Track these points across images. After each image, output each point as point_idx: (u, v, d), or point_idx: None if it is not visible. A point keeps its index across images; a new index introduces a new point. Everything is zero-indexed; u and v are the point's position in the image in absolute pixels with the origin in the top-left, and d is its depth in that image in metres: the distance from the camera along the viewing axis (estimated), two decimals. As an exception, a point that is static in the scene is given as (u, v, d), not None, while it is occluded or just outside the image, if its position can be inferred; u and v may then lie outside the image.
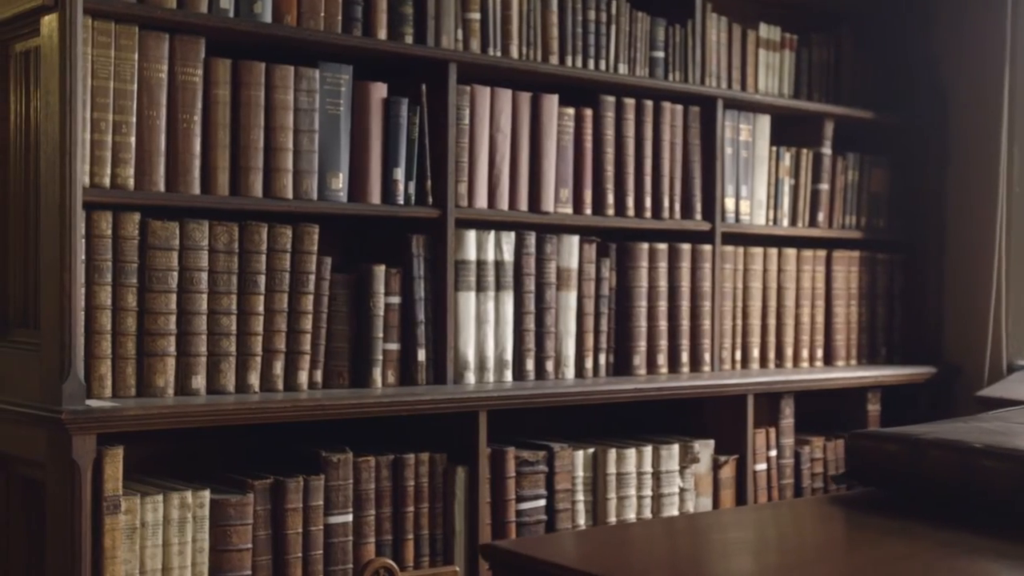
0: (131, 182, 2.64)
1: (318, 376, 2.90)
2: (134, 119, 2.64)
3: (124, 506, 2.51)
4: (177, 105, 2.70)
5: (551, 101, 3.29)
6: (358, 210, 2.95)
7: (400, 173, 3.01)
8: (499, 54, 3.20)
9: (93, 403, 2.50)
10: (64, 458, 2.42)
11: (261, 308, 2.80)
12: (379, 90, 2.99)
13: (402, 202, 3.01)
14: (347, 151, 2.94)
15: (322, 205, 2.89)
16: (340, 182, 2.92)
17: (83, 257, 2.57)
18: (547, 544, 2.04)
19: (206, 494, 2.62)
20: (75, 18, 2.44)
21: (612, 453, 3.27)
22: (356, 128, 2.96)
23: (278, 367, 2.83)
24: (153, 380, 2.66)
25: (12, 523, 2.67)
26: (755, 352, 3.78)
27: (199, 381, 2.72)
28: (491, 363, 3.17)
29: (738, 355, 3.73)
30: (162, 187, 2.68)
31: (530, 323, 3.25)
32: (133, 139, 2.64)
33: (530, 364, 3.25)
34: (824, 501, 2.07)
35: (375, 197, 2.98)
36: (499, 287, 3.19)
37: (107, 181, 2.60)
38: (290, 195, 2.84)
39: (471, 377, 3.12)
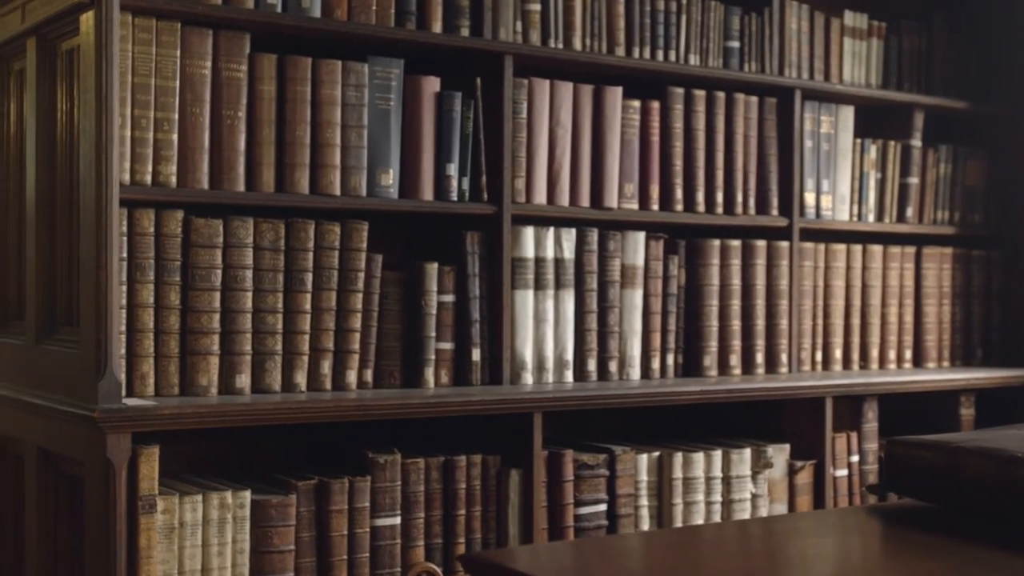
0: (173, 179, 2.62)
1: (368, 376, 2.85)
2: (176, 116, 2.62)
3: (162, 505, 2.49)
4: (221, 101, 2.68)
5: (614, 94, 3.19)
6: (409, 207, 2.90)
7: (453, 169, 2.94)
8: (561, 46, 3.11)
9: (131, 402, 2.49)
10: (99, 457, 2.41)
11: (308, 306, 2.76)
12: (431, 84, 2.93)
13: (455, 198, 2.95)
14: (398, 147, 2.88)
15: (371, 202, 2.84)
16: (391, 178, 2.87)
17: (124, 255, 2.56)
18: (524, 555, 1.95)
19: (246, 494, 2.59)
20: (111, 15, 2.43)
21: (678, 457, 3.16)
22: (407, 123, 2.90)
23: (325, 366, 2.79)
24: (196, 379, 2.64)
25: (59, 520, 2.67)
26: (837, 353, 3.63)
27: (243, 380, 2.69)
28: (550, 363, 3.09)
29: (819, 356, 3.59)
30: (206, 184, 2.66)
31: (592, 322, 3.15)
32: (175, 136, 2.62)
33: (592, 364, 3.15)
34: (853, 512, 1.94)
35: (427, 193, 2.92)
36: (559, 285, 3.11)
37: (148, 179, 2.59)
38: (338, 192, 2.80)
39: (528, 377, 3.05)
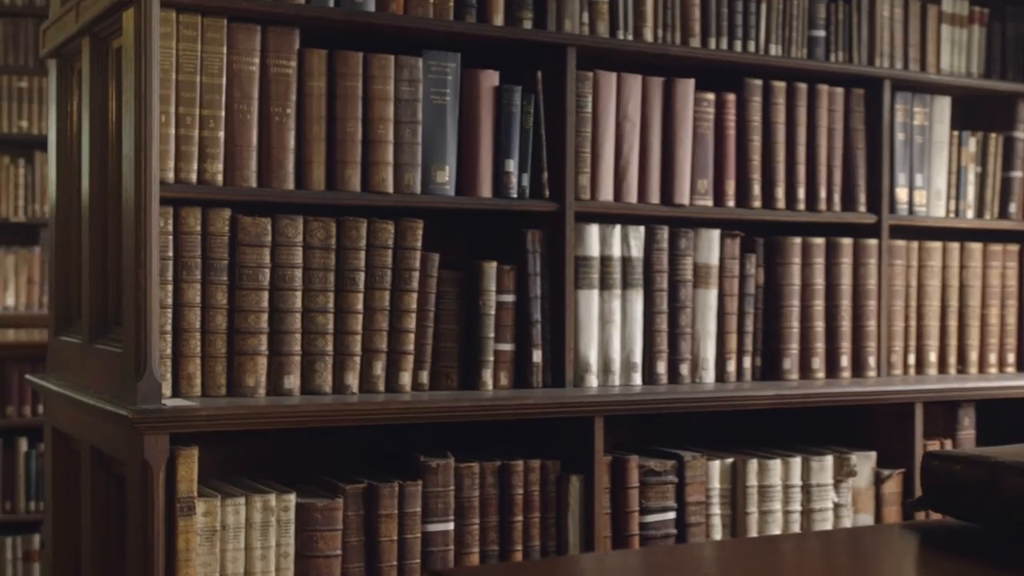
0: (219, 177, 2.59)
1: (424, 377, 2.78)
2: (223, 113, 2.59)
3: (203, 508, 2.46)
4: (270, 98, 2.64)
5: (686, 86, 3.07)
6: (466, 204, 2.82)
7: (513, 165, 2.86)
8: (630, 38, 3.01)
9: (172, 403, 2.46)
10: (138, 457, 2.39)
11: (360, 306, 2.70)
12: (490, 78, 2.85)
13: (515, 195, 2.87)
14: (454, 143, 2.81)
15: (426, 199, 2.78)
16: (447, 175, 2.80)
17: (170, 254, 2.54)
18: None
19: (291, 497, 2.54)
20: (150, 12, 2.41)
21: (753, 464, 3.03)
22: (464, 119, 2.83)
23: (378, 367, 2.73)
24: (243, 380, 2.61)
25: (109, 520, 2.67)
26: (932, 356, 3.44)
27: (292, 381, 2.64)
28: (617, 365, 2.98)
29: (911, 359, 3.41)
30: (254, 182, 2.62)
31: (662, 323, 3.04)
32: (222, 134, 2.59)
33: (662, 367, 3.04)
34: (884, 530, 1.80)
35: (486, 191, 2.84)
36: (626, 285, 3.00)
37: (193, 177, 2.56)
38: (391, 189, 2.74)
39: (593, 380, 2.94)
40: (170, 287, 2.54)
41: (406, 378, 2.75)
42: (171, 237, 2.54)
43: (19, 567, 4.57)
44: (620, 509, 2.87)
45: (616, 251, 2.98)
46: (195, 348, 2.57)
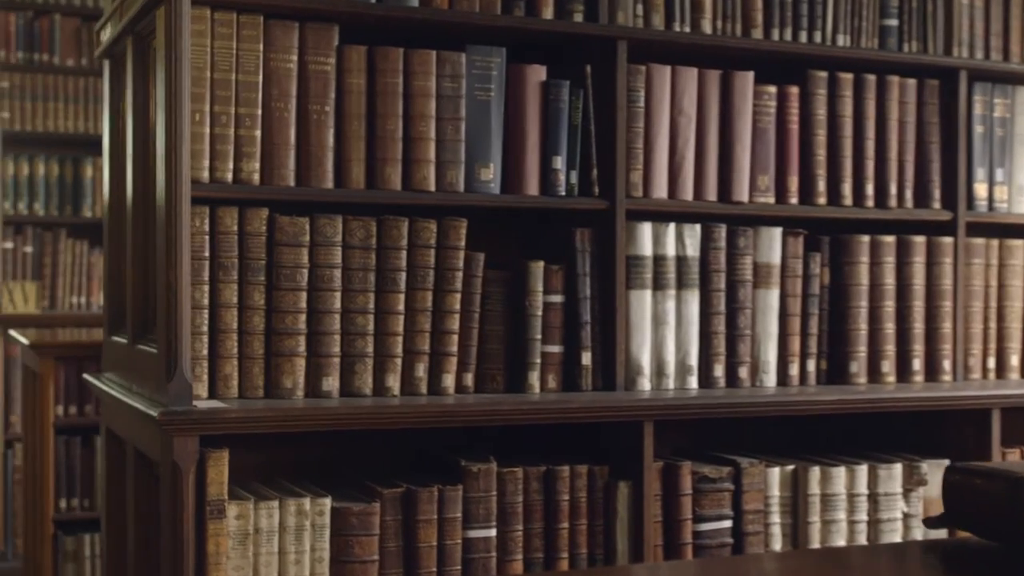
0: (256, 176, 2.56)
1: (469, 380, 2.72)
2: (259, 112, 2.56)
3: (236, 511, 2.43)
4: (308, 96, 2.60)
5: (744, 79, 2.96)
6: (512, 202, 2.75)
7: (560, 162, 2.78)
8: (688, 29, 2.91)
9: (203, 404, 2.44)
10: (168, 459, 2.37)
11: (401, 307, 2.65)
12: (536, 73, 2.77)
13: (563, 193, 2.79)
14: (499, 139, 2.74)
15: (470, 197, 2.71)
16: (491, 172, 2.73)
17: (206, 254, 2.52)
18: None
19: (326, 501, 2.50)
20: (180, 9, 2.39)
21: (815, 471, 2.91)
22: (510, 115, 2.76)
23: (420, 369, 2.67)
24: (280, 381, 2.57)
25: (149, 521, 2.66)
26: (1014, 360, 3.28)
27: (331, 383, 2.60)
28: (671, 368, 2.88)
29: (991, 363, 3.25)
30: (292, 181, 2.59)
31: (719, 324, 2.93)
32: (258, 132, 2.56)
33: (719, 370, 2.93)
34: (898, 550, 1.68)
35: (532, 188, 2.77)
36: (681, 285, 2.90)
37: (229, 176, 2.53)
38: (432, 187, 2.68)
39: (645, 383, 2.85)
40: (206, 287, 2.52)
41: (449, 380, 2.69)
42: (207, 237, 2.52)
43: (97, 564, 4.63)
44: (672, 517, 2.78)
45: (670, 250, 2.88)
46: (232, 349, 2.55)
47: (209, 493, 2.39)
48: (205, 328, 2.52)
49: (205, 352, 2.52)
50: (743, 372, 2.96)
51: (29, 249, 5.58)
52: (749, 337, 2.97)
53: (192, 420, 2.35)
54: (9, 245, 5.52)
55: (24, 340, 4.15)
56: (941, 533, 2.70)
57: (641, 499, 2.72)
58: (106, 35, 2.91)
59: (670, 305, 2.88)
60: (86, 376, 3.13)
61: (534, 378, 2.77)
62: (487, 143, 2.73)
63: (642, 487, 2.72)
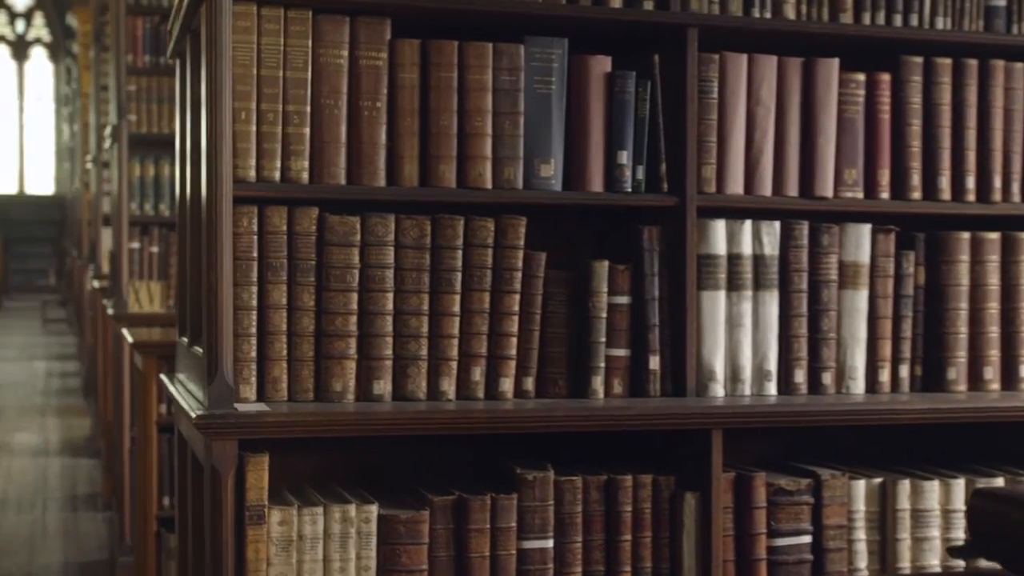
0: (305, 175, 2.51)
1: (529, 384, 2.62)
2: (308, 109, 2.50)
3: (279, 517, 2.38)
4: (358, 92, 2.53)
5: (828, 66, 2.79)
6: (574, 199, 2.64)
7: (626, 157, 2.66)
8: (768, 15, 2.75)
9: (245, 407, 2.39)
10: (207, 463, 2.33)
11: (457, 308, 2.57)
12: (601, 64, 2.66)
13: (629, 189, 2.66)
14: (561, 134, 2.63)
15: (529, 195, 2.61)
16: (552, 168, 2.63)
17: (254, 254, 2.47)
18: None
19: (372, 508, 2.43)
20: (220, 5, 2.35)
21: (905, 484, 2.72)
22: (572, 108, 2.65)
23: (477, 373, 2.58)
24: (331, 384, 2.51)
25: (200, 525, 2.63)
26: None
27: (383, 386, 2.53)
28: (747, 373, 2.73)
29: (1110, 370, 2.99)
30: (342, 180, 2.53)
31: (801, 327, 2.77)
32: (307, 130, 2.50)
33: (800, 376, 2.77)
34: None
35: (596, 185, 2.65)
36: (759, 285, 2.75)
37: (277, 175, 2.48)
38: (489, 185, 2.59)
39: (719, 389, 2.71)
40: (255, 288, 2.47)
41: (507, 384, 2.60)
42: (255, 237, 2.47)
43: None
44: (745, 531, 2.63)
45: (746, 248, 2.73)
46: (281, 351, 2.50)
47: (248, 498, 2.34)
48: (253, 330, 2.47)
49: (253, 354, 2.47)
50: (827, 378, 2.78)
51: (155, 249, 5.67)
52: (834, 341, 2.79)
53: (229, 424, 2.31)
54: (135, 245, 5.62)
55: (129, 339, 4.20)
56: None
57: (709, 512, 2.58)
58: (174, 34, 2.89)
59: (746, 307, 2.73)
60: (162, 376, 3.13)
61: (598, 383, 2.65)
62: (547, 138, 2.62)
63: (710, 499, 2.58)
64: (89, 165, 8.22)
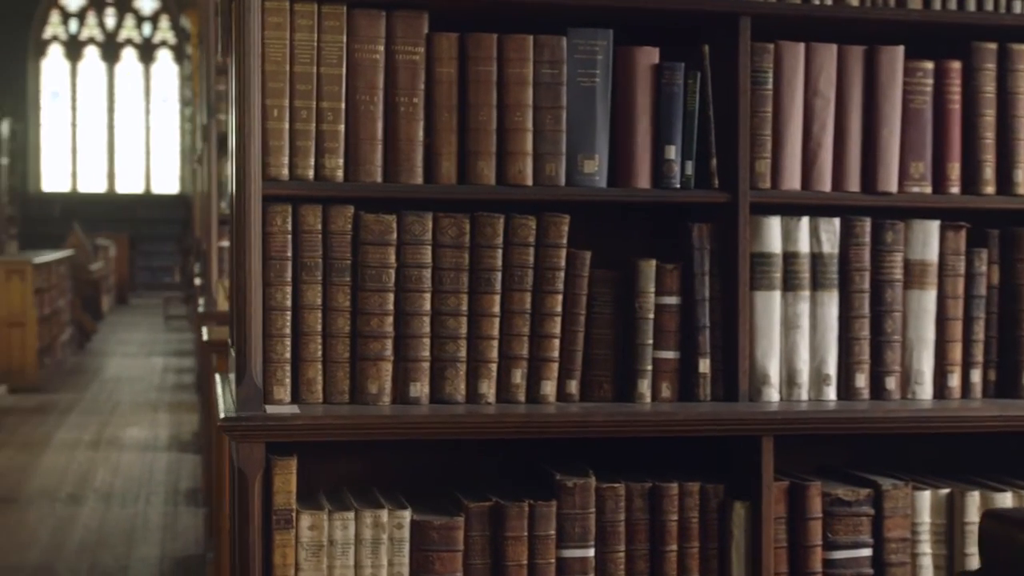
0: (340, 173, 2.45)
1: (573, 387, 2.54)
2: (343, 105, 2.45)
3: (309, 521, 2.34)
4: (395, 87, 2.47)
5: (892, 54, 2.64)
6: (620, 196, 2.55)
7: (675, 152, 2.56)
8: (830, 1, 2.63)
9: (281, 409, 2.35)
10: (235, 466, 2.30)
11: (497, 309, 2.50)
12: (648, 55, 2.56)
13: (678, 185, 2.56)
14: (606, 129, 2.54)
15: (572, 191, 2.53)
16: (596, 164, 2.54)
17: (288, 254, 2.43)
18: None
19: (405, 514, 2.37)
20: (248, 2, 2.31)
21: (974, 496, 2.57)
22: (618, 102, 2.55)
23: (518, 376, 2.51)
24: (366, 386, 2.46)
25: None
26: None
27: (420, 388, 2.47)
28: (804, 377, 2.61)
29: None
30: (378, 177, 2.47)
31: (863, 329, 2.63)
32: (342, 127, 2.45)
33: (862, 380, 2.63)
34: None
35: (643, 181, 2.55)
36: (817, 285, 2.62)
37: (311, 173, 2.44)
38: (529, 181, 2.51)
39: (773, 394, 2.59)
40: (289, 288, 2.43)
41: (549, 387, 2.52)
42: (290, 236, 2.43)
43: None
44: (799, 542, 2.51)
45: (803, 246, 2.61)
46: (316, 352, 2.45)
47: (275, 502, 2.30)
48: (288, 331, 2.43)
49: (288, 355, 2.43)
50: (891, 383, 2.64)
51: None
52: (899, 343, 2.65)
53: (255, 427, 2.27)
54: (225, 244, 5.66)
55: (205, 336, 4.22)
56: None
57: (760, 521, 2.47)
58: (219, 33, 2.87)
59: (803, 308, 2.61)
60: (216, 375, 3.11)
61: (644, 386, 2.55)
62: (591, 133, 2.53)
63: (760, 509, 2.46)
64: (196, 165, 8.35)
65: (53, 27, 20.59)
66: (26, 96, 19.42)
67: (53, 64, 21.09)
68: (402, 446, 2.53)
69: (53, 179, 20.59)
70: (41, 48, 19.96)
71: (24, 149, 19.45)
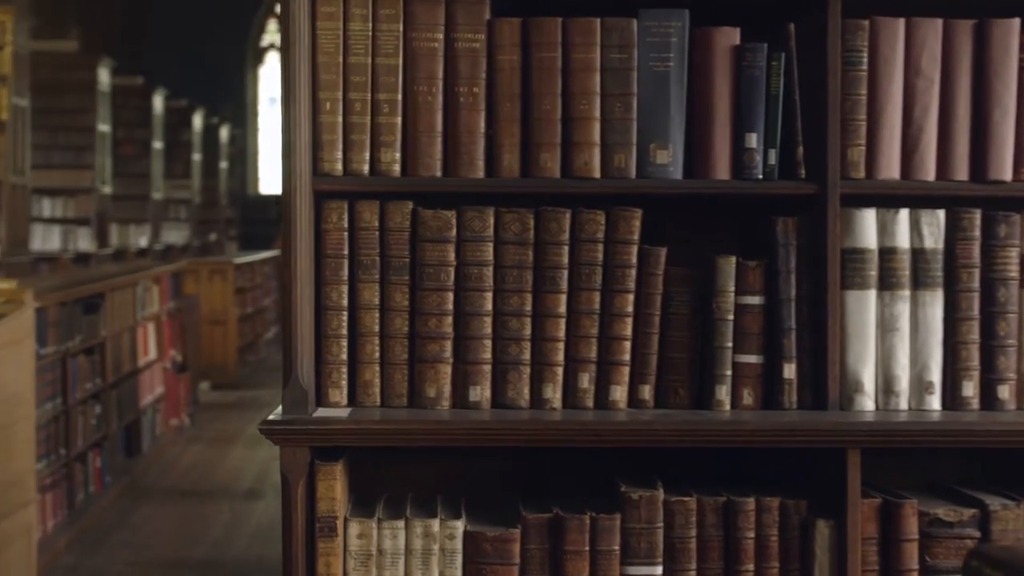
0: (396, 167, 2.36)
1: (646, 392, 2.38)
2: (400, 97, 2.36)
3: (358, 529, 2.25)
4: (454, 77, 2.37)
5: (1007, 28, 2.39)
6: (696, 188, 2.38)
7: (756, 140, 2.37)
8: (936, -28, 2.40)
9: (323, 412, 2.28)
10: (281, 471, 2.23)
11: (563, 309, 2.36)
12: (727, 36, 2.38)
13: (760, 176, 2.37)
14: (681, 116, 2.37)
15: (643, 184, 2.37)
16: (670, 155, 2.37)
17: (345, 252, 2.35)
18: None
19: (457, 524, 2.26)
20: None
21: (1098, 520, 2.30)
22: (694, 87, 2.38)
23: (585, 380, 2.37)
24: (424, 389, 2.36)
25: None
26: None
27: (479, 392, 2.36)
28: (903, 385, 2.38)
29: None
30: (438, 171, 2.36)
31: (971, 332, 2.39)
32: (399, 119, 2.36)
33: (970, 388, 2.39)
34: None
35: (722, 172, 2.38)
36: (918, 284, 2.39)
37: (365, 168, 2.35)
38: (597, 174, 2.36)
39: (867, 402, 2.37)
40: (345, 288, 2.35)
41: (619, 393, 2.36)
42: (346, 233, 2.35)
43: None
44: (891, 566, 2.30)
45: (903, 241, 2.38)
46: (373, 354, 2.36)
47: (319, 509, 2.23)
48: (344, 331, 2.35)
49: (344, 356, 2.35)
50: (1004, 392, 2.39)
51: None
52: (1014, 349, 2.40)
53: (297, 430, 2.20)
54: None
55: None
56: None
57: (844, 542, 2.26)
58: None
59: (902, 308, 2.38)
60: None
61: (723, 393, 2.37)
62: (665, 121, 2.37)
63: (845, 528, 2.26)
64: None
65: (271, 35, 21.26)
66: (245, 102, 20.08)
67: (270, 71, 21.77)
68: (464, 452, 2.42)
69: (270, 182, 21.23)
70: (259, 55, 20.61)
71: (243, 153, 20.12)
